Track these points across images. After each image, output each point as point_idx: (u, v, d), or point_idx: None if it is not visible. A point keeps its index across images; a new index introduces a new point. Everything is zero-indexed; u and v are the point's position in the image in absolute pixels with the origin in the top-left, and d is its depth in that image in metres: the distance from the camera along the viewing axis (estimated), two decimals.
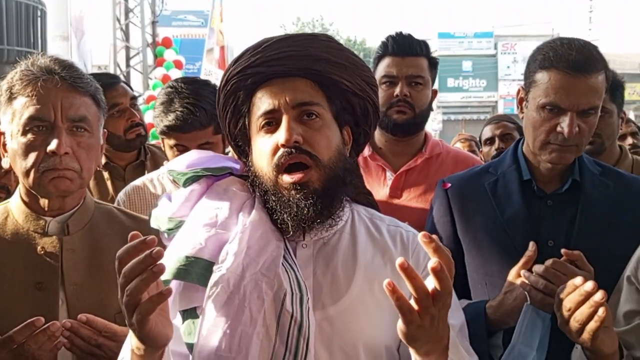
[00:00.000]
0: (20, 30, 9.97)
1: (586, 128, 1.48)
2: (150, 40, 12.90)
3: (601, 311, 1.10)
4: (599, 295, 1.10)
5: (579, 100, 1.45)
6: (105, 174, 2.55)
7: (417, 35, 2.16)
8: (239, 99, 1.23)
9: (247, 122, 1.23)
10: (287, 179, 1.14)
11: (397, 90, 2.05)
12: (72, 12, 12.46)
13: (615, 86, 2.27)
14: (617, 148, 2.39)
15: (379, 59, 2.14)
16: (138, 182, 2.16)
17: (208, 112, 1.97)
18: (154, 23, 13.14)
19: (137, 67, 12.89)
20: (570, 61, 1.45)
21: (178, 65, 11.89)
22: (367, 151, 2.17)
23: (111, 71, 11.93)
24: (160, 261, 1.12)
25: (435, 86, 2.22)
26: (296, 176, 1.13)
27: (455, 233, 1.66)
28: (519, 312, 1.41)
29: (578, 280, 1.15)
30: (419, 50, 2.09)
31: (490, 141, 3.19)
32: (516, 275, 1.46)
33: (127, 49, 13.00)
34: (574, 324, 1.14)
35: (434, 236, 0.92)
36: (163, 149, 2.17)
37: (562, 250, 1.41)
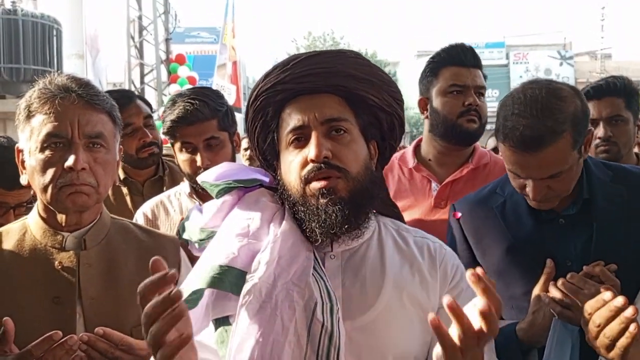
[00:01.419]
0: (36, 49, 10.18)
1: (559, 185, 1.44)
2: (164, 57, 13.07)
3: (633, 327, 1.08)
4: (630, 311, 1.08)
5: (535, 173, 1.42)
6: (124, 190, 2.58)
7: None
8: (268, 114, 1.25)
9: (275, 138, 1.25)
10: (315, 185, 1.15)
11: (471, 100, 2.04)
12: (87, 31, 12.68)
13: (630, 94, 2.26)
14: (634, 156, 2.37)
15: (440, 67, 2.10)
16: (157, 199, 2.20)
17: (210, 106, 2.04)
18: (167, 40, 13.32)
19: (151, 83, 13.06)
20: (517, 138, 1.38)
21: (192, 81, 12.04)
22: (411, 162, 2.16)
23: (126, 88, 12.09)
24: (193, 271, 1.14)
25: None
26: (324, 182, 1.15)
27: (475, 260, 1.64)
28: (549, 329, 1.40)
29: (607, 295, 1.13)
30: (479, 64, 2.11)
31: (495, 152, 3.18)
32: (539, 294, 1.45)
33: (142, 66, 13.19)
34: (603, 339, 1.12)
35: (481, 272, 0.90)
36: (177, 162, 2.20)
37: (584, 268, 1.40)
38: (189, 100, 2.03)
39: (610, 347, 1.12)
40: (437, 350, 0.95)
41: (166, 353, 0.91)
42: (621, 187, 1.53)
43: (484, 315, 0.88)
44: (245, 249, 1.15)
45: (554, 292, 1.38)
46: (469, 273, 0.90)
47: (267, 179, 1.30)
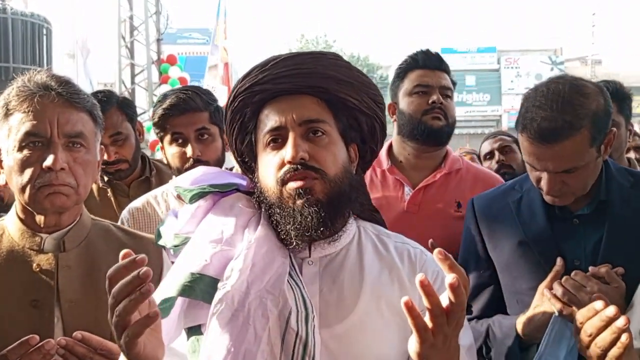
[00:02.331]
0: (25, 48, 10.10)
1: (573, 181, 1.44)
2: (155, 57, 13.01)
3: (624, 337, 1.07)
4: (622, 321, 1.07)
5: (550, 166, 1.42)
6: (109, 191, 2.55)
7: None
8: (246, 115, 1.24)
9: (253, 139, 1.24)
10: (291, 185, 1.13)
11: (434, 98, 2.07)
12: (77, 30, 12.60)
13: (623, 98, 2.26)
14: (626, 161, 2.37)
15: (406, 71, 2.17)
16: (142, 199, 2.16)
17: (202, 98, 2.05)
18: (158, 41, 13.26)
19: (142, 84, 13.00)
20: (534, 129, 1.39)
21: (183, 82, 11.98)
22: (385, 164, 2.17)
23: (116, 88, 12.03)
24: (166, 278, 1.12)
25: None
26: (300, 182, 1.13)
27: (487, 252, 1.64)
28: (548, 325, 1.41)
29: (599, 304, 1.12)
30: (444, 66, 2.17)
31: (489, 155, 3.19)
32: (543, 289, 1.45)
33: (132, 66, 13.12)
34: (594, 349, 1.11)
35: (447, 253, 0.92)
36: (165, 160, 2.16)
37: (590, 268, 1.40)
38: (181, 92, 2.05)
39: (602, 357, 1.11)
40: (411, 340, 0.94)
41: (132, 332, 0.91)
42: None
43: (453, 288, 0.89)
44: (219, 256, 1.12)
45: (557, 288, 1.39)
46: (435, 252, 0.91)
47: (244, 183, 1.28)
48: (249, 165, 1.28)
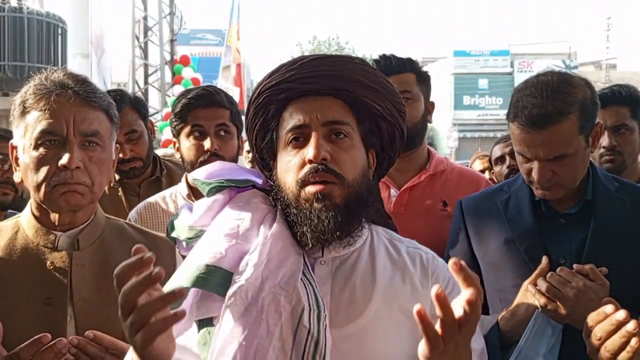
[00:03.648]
0: (41, 47, 10.21)
1: (564, 170, 1.47)
2: (168, 58, 13.09)
3: (634, 342, 1.07)
4: (632, 325, 1.07)
5: (540, 152, 1.46)
6: (120, 191, 2.56)
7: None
8: (270, 112, 1.24)
9: (274, 137, 1.24)
10: (310, 189, 1.13)
11: None
12: (92, 30, 12.70)
13: (636, 103, 2.24)
14: (639, 167, 2.34)
15: None
16: (151, 199, 2.17)
17: (227, 97, 2.09)
18: (172, 41, 13.34)
19: (155, 84, 13.08)
20: (525, 116, 1.45)
21: (196, 82, 12.03)
22: None
23: (129, 88, 12.12)
24: (179, 269, 1.12)
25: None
26: (319, 186, 1.13)
27: (472, 251, 1.67)
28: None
29: (609, 308, 1.12)
30: (402, 67, 2.13)
31: (500, 160, 3.16)
32: (527, 286, 1.46)
33: (146, 66, 13.22)
34: (604, 353, 1.11)
35: (463, 263, 0.90)
36: (177, 155, 2.16)
37: (574, 265, 1.41)
38: (205, 88, 2.09)
39: None
40: (421, 345, 0.93)
41: (154, 330, 0.89)
42: (625, 197, 1.56)
43: (470, 303, 0.88)
44: (234, 250, 1.12)
45: (541, 284, 1.40)
46: (451, 262, 0.89)
47: (260, 181, 1.28)
48: (267, 163, 1.28)
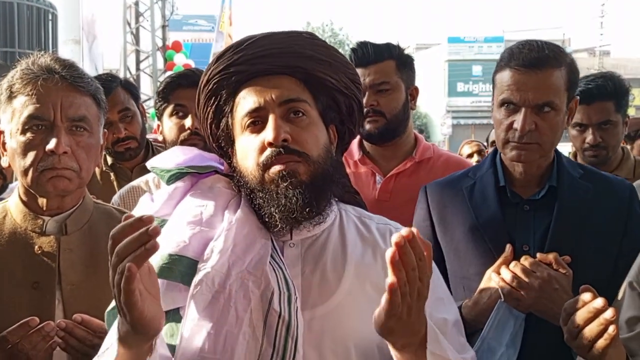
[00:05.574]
0: (31, 33, 10.12)
1: (545, 126, 1.47)
2: (160, 44, 12.99)
3: (611, 329, 1.08)
4: (609, 313, 1.07)
5: (530, 96, 1.46)
6: (112, 176, 2.55)
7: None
8: (222, 98, 1.20)
9: (230, 123, 1.20)
10: (274, 168, 1.11)
11: (364, 101, 2.01)
12: (83, 16, 12.59)
13: (621, 95, 2.24)
14: (620, 150, 2.37)
15: None
16: (134, 183, 2.17)
17: None
18: (164, 27, 13.23)
19: (147, 70, 12.99)
20: (520, 59, 1.47)
21: (187, 68, 11.97)
22: (357, 155, 2.18)
23: (121, 74, 12.02)
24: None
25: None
26: (284, 165, 1.11)
27: (436, 238, 1.66)
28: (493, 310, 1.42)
29: (587, 296, 1.12)
30: (379, 56, 2.07)
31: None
32: (490, 274, 1.46)
33: (137, 52, 13.11)
34: (582, 341, 1.12)
35: (416, 231, 0.93)
36: (160, 137, 2.16)
37: (538, 254, 1.41)
38: (189, 69, 2.12)
39: (588, 348, 1.12)
40: (376, 314, 0.94)
41: (127, 287, 0.87)
42: (589, 185, 1.56)
43: (399, 247, 0.89)
44: (198, 237, 1.10)
45: (504, 273, 1.40)
46: (395, 237, 0.90)
47: (222, 167, 1.25)
48: (225, 151, 1.25)
